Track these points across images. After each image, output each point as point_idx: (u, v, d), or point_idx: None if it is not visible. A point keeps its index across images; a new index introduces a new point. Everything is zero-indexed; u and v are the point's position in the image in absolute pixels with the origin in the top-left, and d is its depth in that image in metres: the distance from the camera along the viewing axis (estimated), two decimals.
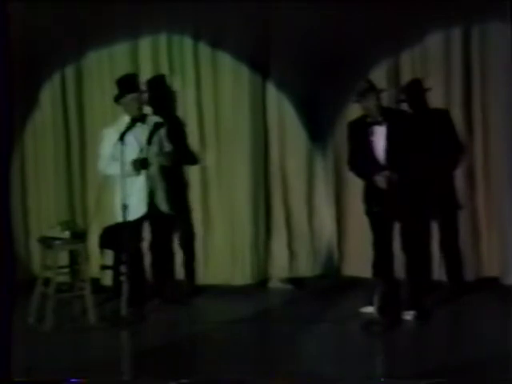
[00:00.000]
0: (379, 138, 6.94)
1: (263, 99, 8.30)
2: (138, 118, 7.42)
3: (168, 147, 7.68)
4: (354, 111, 7.87)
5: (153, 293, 7.68)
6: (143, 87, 7.80)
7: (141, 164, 7.38)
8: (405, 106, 7.84)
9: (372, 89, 6.93)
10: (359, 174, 7.15)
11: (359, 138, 7.04)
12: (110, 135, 7.38)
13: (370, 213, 7.05)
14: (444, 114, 7.88)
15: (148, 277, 7.74)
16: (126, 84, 7.51)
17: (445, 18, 7.83)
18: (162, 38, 8.30)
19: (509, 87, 7.26)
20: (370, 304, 7.13)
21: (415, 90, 7.89)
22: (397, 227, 7.11)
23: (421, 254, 7.34)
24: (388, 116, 6.95)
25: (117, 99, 7.52)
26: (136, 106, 7.44)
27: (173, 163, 7.67)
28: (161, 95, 8.23)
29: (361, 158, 7.07)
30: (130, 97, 7.44)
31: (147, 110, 7.81)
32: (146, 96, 7.75)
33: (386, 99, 7.32)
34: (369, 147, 6.98)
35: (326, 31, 7.97)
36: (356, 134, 7.09)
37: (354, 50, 7.95)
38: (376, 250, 7.10)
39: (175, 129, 8.10)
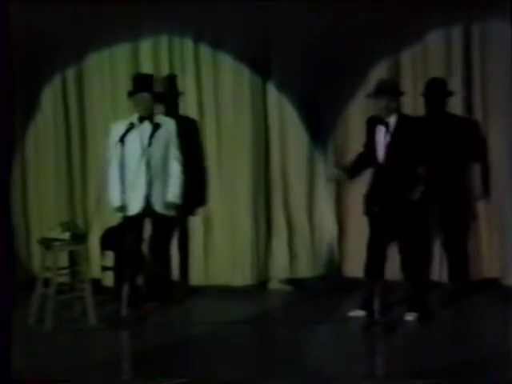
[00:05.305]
0: (382, 137, 6.98)
1: (264, 100, 8.30)
2: (145, 117, 7.45)
3: (175, 152, 7.65)
4: (354, 111, 7.91)
5: (151, 294, 7.68)
6: (157, 89, 7.80)
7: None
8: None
9: (383, 91, 6.95)
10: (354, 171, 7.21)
11: (368, 135, 7.11)
12: (117, 130, 7.34)
13: (369, 213, 7.08)
14: (465, 122, 7.83)
15: (147, 277, 7.75)
16: (141, 82, 7.57)
17: (445, 17, 7.84)
18: (163, 40, 8.31)
19: (509, 86, 7.26)
20: (360, 308, 7.15)
21: (435, 93, 7.76)
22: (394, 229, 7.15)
23: (421, 255, 7.34)
24: (397, 119, 6.97)
25: (130, 94, 7.56)
26: (145, 105, 7.49)
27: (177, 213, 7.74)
28: (173, 96, 8.27)
29: (362, 154, 7.16)
30: (141, 95, 7.48)
31: (160, 109, 7.86)
32: (157, 97, 7.78)
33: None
34: (372, 145, 7.05)
35: (327, 31, 7.98)
36: (368, 129, 7.14)
37: (354, 50, 7.96)
38: (370, 251, 7.12)
39: (187, 133, 8.07)
